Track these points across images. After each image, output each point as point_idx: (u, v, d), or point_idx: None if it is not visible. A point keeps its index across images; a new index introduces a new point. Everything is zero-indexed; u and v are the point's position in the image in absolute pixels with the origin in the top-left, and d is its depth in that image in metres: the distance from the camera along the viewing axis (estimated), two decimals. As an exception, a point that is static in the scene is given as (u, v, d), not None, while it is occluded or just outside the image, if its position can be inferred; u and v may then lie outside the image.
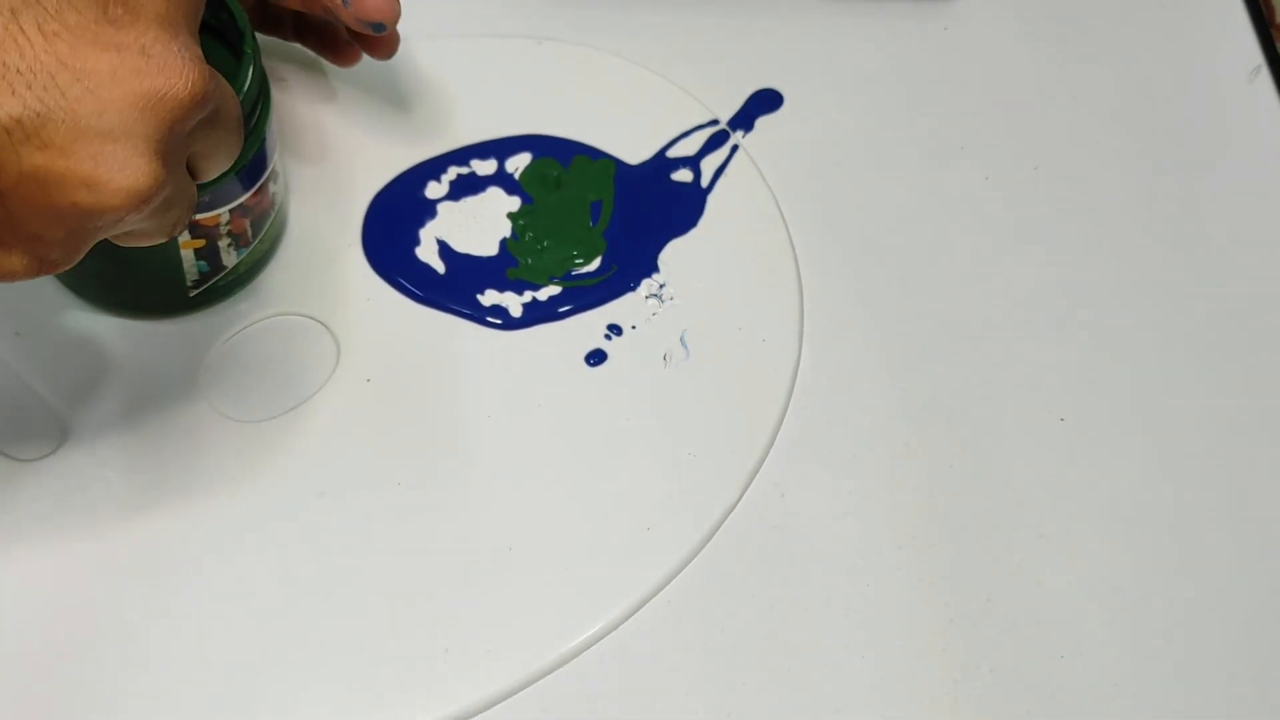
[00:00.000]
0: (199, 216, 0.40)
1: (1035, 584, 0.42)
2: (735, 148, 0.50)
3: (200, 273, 0.43)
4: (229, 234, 0.42)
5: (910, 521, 0.43)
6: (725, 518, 0.43)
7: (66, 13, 0.29)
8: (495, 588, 0.41)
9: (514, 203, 0.49)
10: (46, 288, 0.45)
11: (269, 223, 0.44)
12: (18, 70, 0.28)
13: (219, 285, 0.44)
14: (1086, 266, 0.49)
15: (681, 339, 0.46)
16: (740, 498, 0.43)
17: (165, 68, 0.30)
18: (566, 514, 0.42)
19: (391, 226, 0.48)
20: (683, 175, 0.50)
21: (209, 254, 0.42)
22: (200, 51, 0.31)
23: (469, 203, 0.49)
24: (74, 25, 0.29)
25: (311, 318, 0.45)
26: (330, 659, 0.39)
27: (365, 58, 0.47)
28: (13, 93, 0.28)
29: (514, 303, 0.46)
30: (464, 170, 0.49)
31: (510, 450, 0.43)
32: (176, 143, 0.31)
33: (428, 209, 0.48)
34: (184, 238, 0.41)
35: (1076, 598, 0.42)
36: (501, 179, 0.49)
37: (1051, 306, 0.48)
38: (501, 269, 0.47)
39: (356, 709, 0.39)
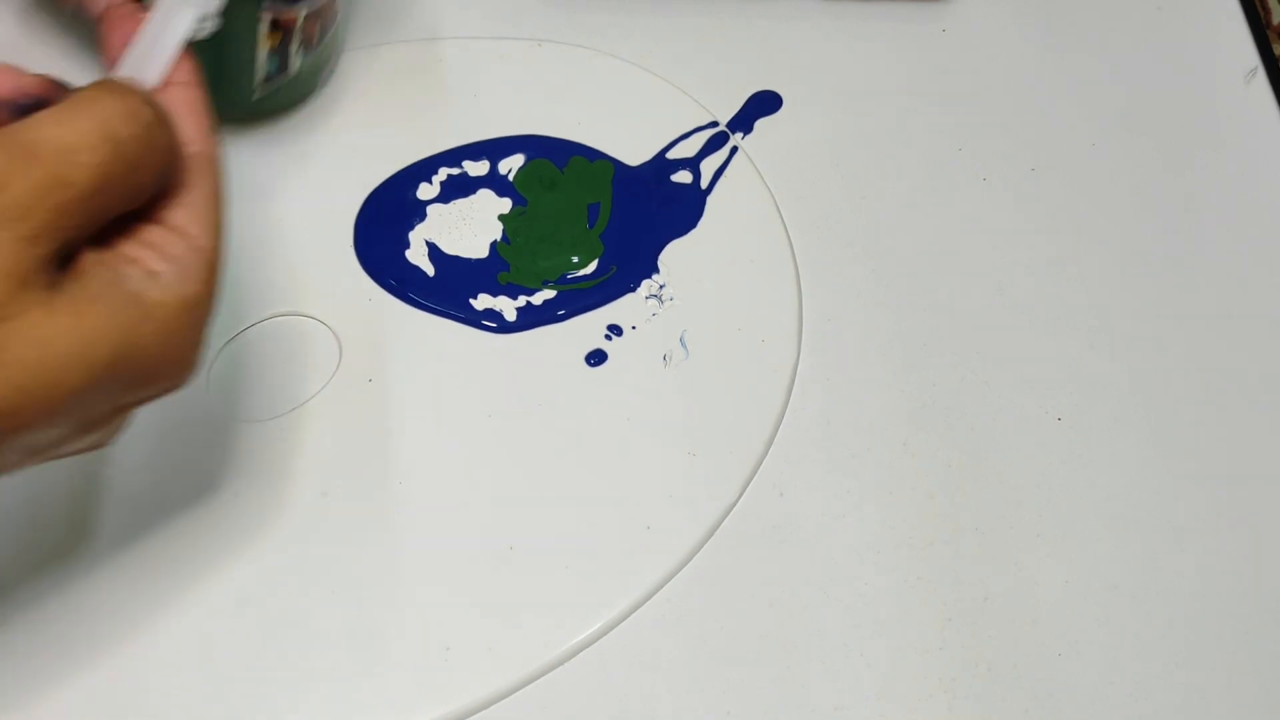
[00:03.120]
0: (282, 14, 0.44)
1: (1033, 583, 0.42)
2: (735, 149, 0.51)
3: (268, 71, 0.45)
4: (301, 34, 0.45)
5: (908, 521, 0.43)
6: (725, 517, 0.43)
7: None
8: (495, 587, 0.41)
9: (505, 204, 0.49)
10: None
11: (330, 33, 0.48)
12: None
13: (278, 91, 0.47)
14: (1083, 267, 0.49)
15: (681, 339, 0.46)
16: (740, 497, 0.43)
17: None
18: (566, 514, 0.43)
19: (382, 228, 0.48)
20: (682, 177, 0.50)
21: (280, 52, 0.45)
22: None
23: (459, 204, 0.49)
24: None
25: (313, 318, 0.46)
26: (330, 658, 0.40)
27: None
28: None
29: (508, 307, 0.46)
30: (455, 171, 0.49)
31: (510, 450, 0.44)
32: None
33: (417, 210, 0.48)
34: (265, 31, 0.44)
35: (1074, 596, 0.42)
36: (493, 180, 0.49)
37: (1048, 306, 0.48)
38: (492, 272, 0.47)
39: (357, 709, 0.39)
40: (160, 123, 0.30)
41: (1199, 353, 0.47)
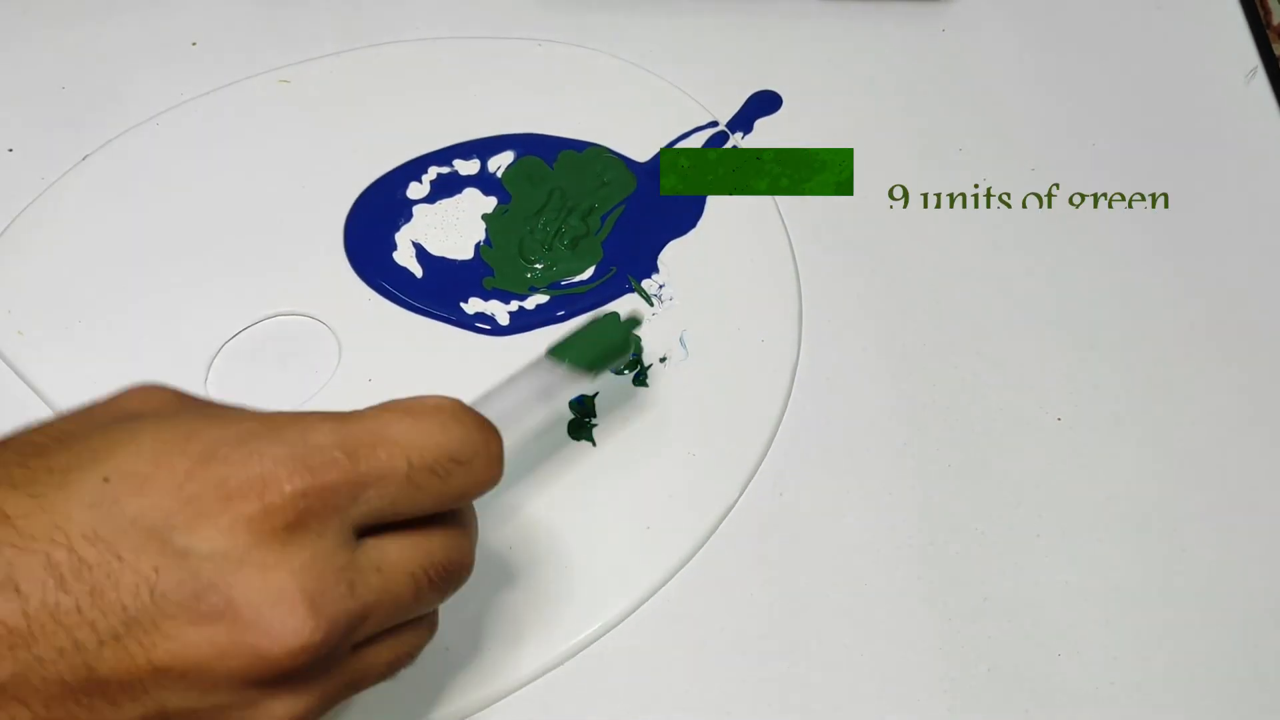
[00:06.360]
0: None
1: (1032, 583, 0.42)
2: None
3: None
4: None
5: (908, 521, 0.43)
6: (724, 517, 0.43)
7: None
8: (495, 587, 0.41)
9: (490, 203, 0.48)
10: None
11: None
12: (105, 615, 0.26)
13: None
14: (1083, 266, 0.49)
15: (681, 339, 0.46)
16: (739, 497, 0.43)
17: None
18: (566, 514, 0.43)
19: (369, 229, 0.48)
20: (682, 176, 0.50)
21: None
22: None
23: (444, 205, 0.48)
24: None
25: (313, 317, 0.46)
26: (331, 658, 0.40)
27: None
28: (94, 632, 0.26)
29: (500, 311, 0.46)
30: (445, 170, 0.49)
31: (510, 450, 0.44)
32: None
33: (404, 211, 0.48)
34: None
35: (1073, 597, 0.42)
36: (482, 179, 0.49)
37: (1048, 306, 0.48)
38: (478, 276, 0.47)
39: (356, 709, 0.39)
40: (497, 464, 0.31)
41: (1198, 353, 0.47)
